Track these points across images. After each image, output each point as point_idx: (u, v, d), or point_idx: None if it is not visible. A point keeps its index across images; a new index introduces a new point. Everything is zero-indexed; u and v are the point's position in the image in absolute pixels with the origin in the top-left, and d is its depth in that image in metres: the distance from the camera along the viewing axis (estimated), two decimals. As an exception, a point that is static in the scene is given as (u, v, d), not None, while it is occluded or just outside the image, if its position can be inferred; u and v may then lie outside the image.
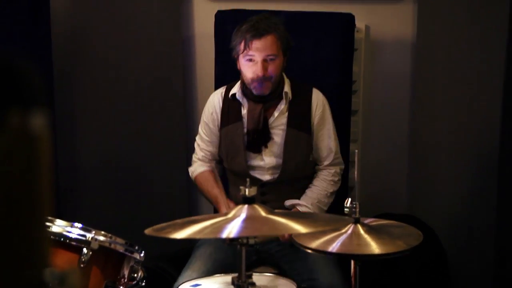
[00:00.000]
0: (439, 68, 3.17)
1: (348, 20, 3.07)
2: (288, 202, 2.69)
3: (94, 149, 3.45)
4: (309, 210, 2.67)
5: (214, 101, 2.78)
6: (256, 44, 2.52)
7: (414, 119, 3.31)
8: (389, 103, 3.34)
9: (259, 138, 2.65)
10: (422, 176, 3.30)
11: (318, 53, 3.04)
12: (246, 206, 1.86)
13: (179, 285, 2.30)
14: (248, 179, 1.93)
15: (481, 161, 3.06)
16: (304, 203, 2.68)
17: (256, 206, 1.87)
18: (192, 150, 2.91)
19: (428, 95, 3.22)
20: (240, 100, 2.69)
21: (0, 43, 2.80)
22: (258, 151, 2.68)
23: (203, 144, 2.81)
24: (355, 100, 3.22)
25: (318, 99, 2.72)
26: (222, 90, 2.80)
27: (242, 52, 2.56)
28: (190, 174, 2.89)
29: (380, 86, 3.33)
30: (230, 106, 2.72)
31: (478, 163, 3.10)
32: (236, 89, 2.71)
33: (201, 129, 2.83)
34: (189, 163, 3.08)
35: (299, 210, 2.67)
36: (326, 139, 2.73)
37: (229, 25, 3.16)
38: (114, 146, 3.45)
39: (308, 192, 2.72)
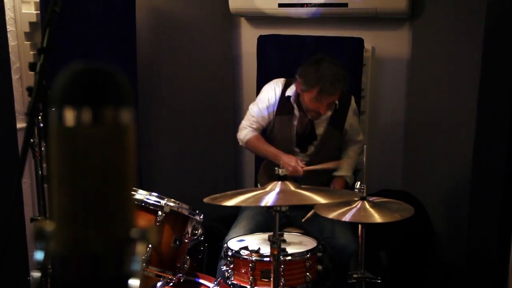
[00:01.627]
0: (428, 79, 3.11)
1: (359, 42, 3.04)
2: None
3: (166, 139, 3.46)
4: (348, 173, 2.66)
5: (276, 89, 2.63)
6: (328, 98, 2.43)
7: (408, 118, 3.25)
8: (389, 105, 3.28)
9: (306, 140, 2.57)
10: (414, 161, 3.24)
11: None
12: (279, 182, 1.86)
13: (229, 240, 2.32)
14: (281, 163, 1.92)
15: (458, 151, 2.98)
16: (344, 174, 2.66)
17: (287, 182, 1.86)
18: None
19: (419, 98, 3.16)
20: (293, 104, 2.58)
21: (98, 57, 2.80)
22: (305, 150, 2.60)
23: (257, 116, 2.63)
24: (363, 103, 3.18)
25: (352, 106, 2.68)
26: (282, 82, 2.64)
27: (314, 96, 2.41)
28: (240, 138, 2.66)
29: (382, 93, 3.27)
30: (285, 101, 2.60)
31: (456, 153, 3.01)
32: (291, 93, 2.59)
33: (258, 103, 2.64)
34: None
35: (343, 181, 2.63)
36: (358, 131, 2.73)
37: (268, 47, 3.16)
38: (181, 138, 3.46)
39: (344, 162, 2.68)
